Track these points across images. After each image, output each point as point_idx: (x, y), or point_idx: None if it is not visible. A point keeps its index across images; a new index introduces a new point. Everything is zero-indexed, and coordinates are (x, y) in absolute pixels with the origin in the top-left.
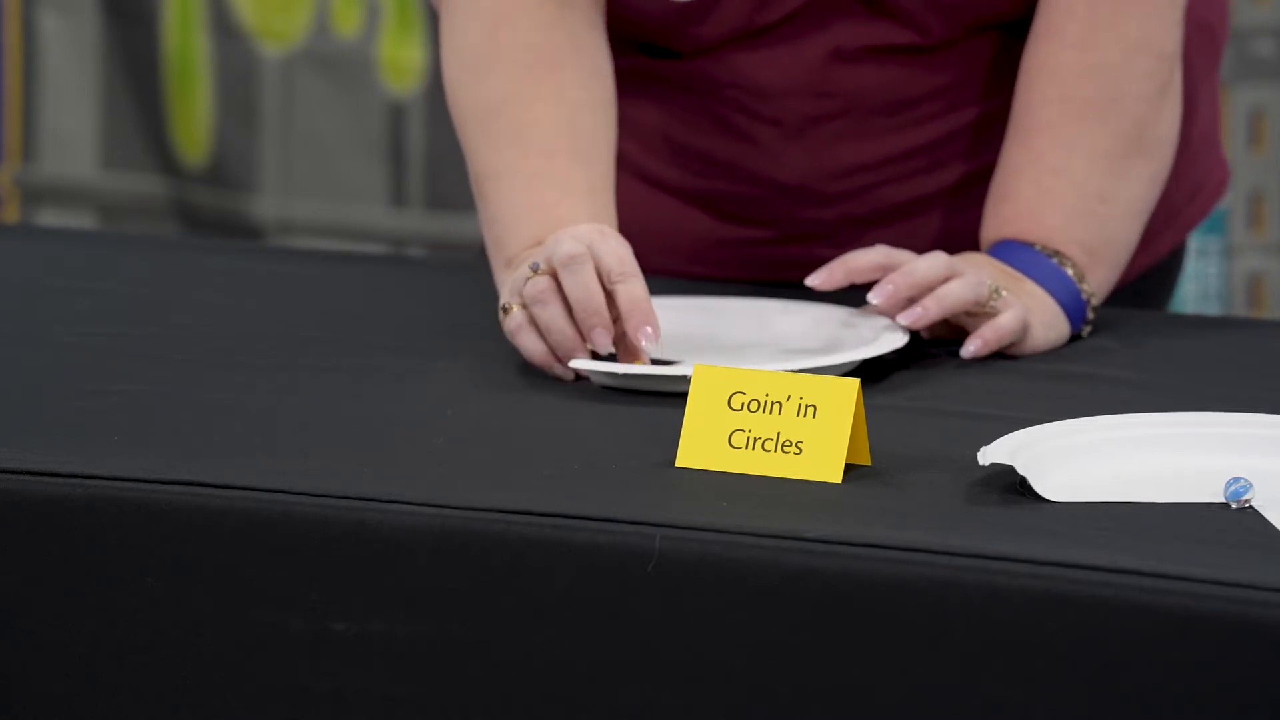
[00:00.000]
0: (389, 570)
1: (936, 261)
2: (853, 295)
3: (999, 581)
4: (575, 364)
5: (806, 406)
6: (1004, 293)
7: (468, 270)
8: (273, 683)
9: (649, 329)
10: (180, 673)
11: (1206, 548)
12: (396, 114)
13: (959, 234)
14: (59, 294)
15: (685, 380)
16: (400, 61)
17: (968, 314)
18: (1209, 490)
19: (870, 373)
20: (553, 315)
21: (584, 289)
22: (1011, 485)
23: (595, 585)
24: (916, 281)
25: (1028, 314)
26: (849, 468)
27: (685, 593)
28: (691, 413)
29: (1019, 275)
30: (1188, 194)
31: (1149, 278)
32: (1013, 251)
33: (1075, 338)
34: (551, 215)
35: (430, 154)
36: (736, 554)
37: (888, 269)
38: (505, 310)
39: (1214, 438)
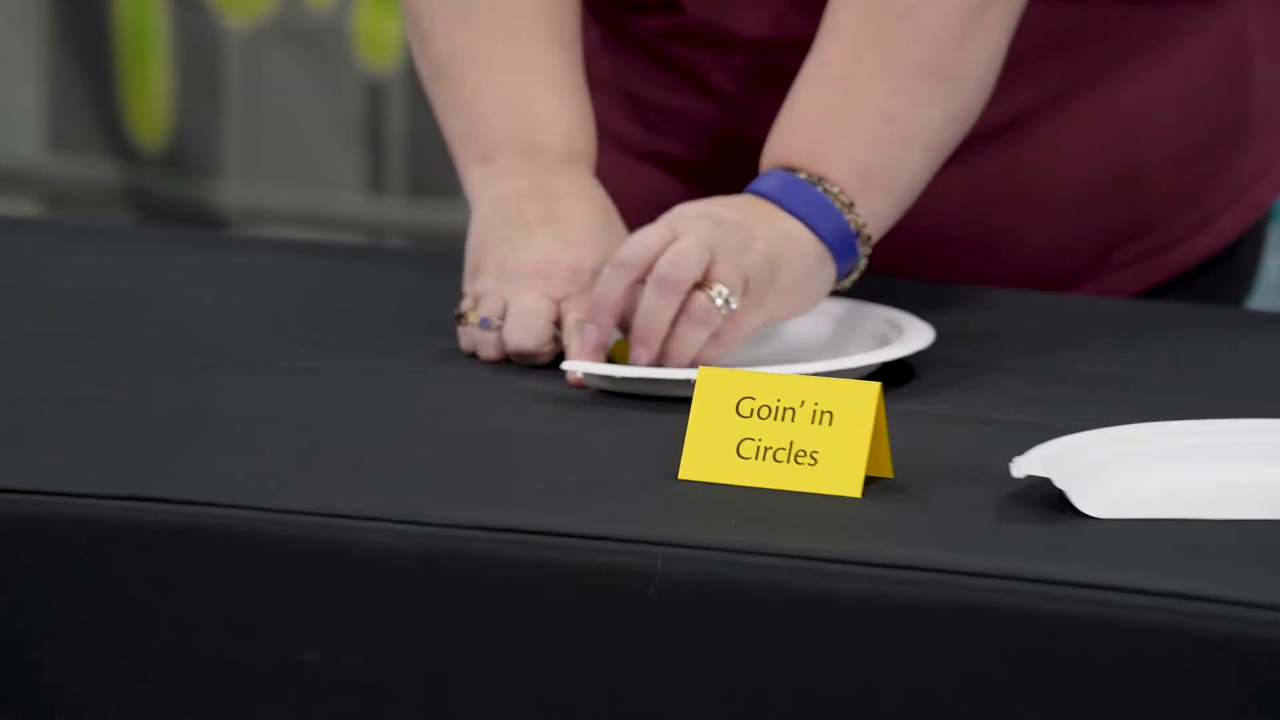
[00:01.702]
0: (364, 594)
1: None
2: (870, 291)
3: (1036, 605)
4: (569, 365)
5: (822, 413)
6: (731, 301)
7: (453, 263)
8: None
9: (571, 373)
10: (143, 704)
11: (1269, 570)
12: (375, 92)
13: (934, 190)
14: (2, 290)
15: (689, 384)
16: (379, 34)
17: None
18: (1272, 506)
19: (892, 376)
20: (496, 355)
21: (532, 364)
22: (1049, 500)
23: (591, 610)
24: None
25: (772, 280)
26: (869, 480)
27: (689, 618)
28: (696, 420)
29: (777, 210)
30: (1252, 174)
31: (1214, 267)
32: (773, 182)
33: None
34: (536, 110)
35: (412, 136)
36: (745, 575)
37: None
38: (460, 319)
39: (1274, 447)
